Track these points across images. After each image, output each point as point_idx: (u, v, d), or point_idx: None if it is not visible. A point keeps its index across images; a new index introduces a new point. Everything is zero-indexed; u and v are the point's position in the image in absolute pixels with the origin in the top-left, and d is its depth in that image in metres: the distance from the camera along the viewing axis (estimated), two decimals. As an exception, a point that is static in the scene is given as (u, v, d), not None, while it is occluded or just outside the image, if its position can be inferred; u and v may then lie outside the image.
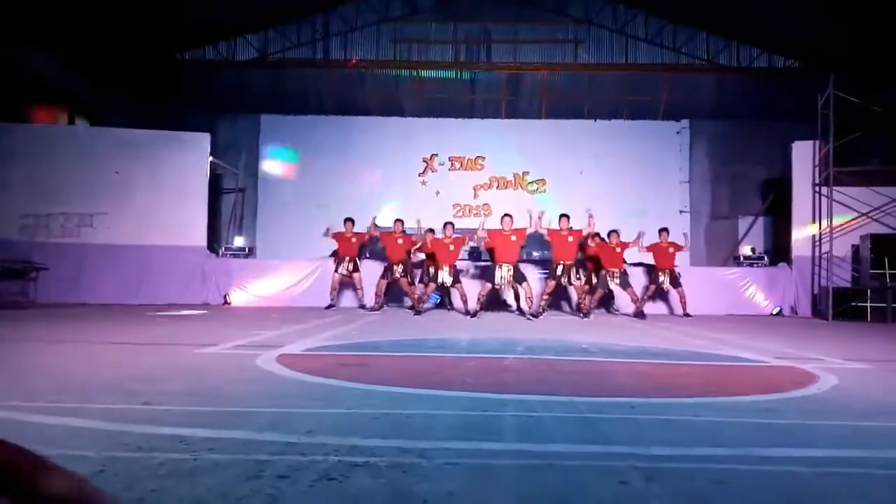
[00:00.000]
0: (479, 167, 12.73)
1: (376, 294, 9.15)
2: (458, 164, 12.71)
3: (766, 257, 11.02)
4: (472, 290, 8.97)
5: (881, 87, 10.07)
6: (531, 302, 8.46)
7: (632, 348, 4.99)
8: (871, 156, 9.95)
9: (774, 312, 10.12)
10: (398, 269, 9.06)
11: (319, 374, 3.31)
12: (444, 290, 9.54)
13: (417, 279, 9.43)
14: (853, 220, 10.03)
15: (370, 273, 9.64)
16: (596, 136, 12.53)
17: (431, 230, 9.24)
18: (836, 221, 9.96)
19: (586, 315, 8.56)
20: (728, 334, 6.37)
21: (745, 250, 11.20)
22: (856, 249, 10.02)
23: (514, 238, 8.29)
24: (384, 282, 9.12)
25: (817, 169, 10.30)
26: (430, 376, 3.47)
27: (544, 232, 8.43)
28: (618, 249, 8.94)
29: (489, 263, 8.91)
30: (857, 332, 7.20)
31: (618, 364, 4.12)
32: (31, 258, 9.12)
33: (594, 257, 9.30)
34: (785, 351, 4.89)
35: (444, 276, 8.64)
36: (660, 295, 9.92)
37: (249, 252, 11.42)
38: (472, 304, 8.55)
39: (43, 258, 9.18)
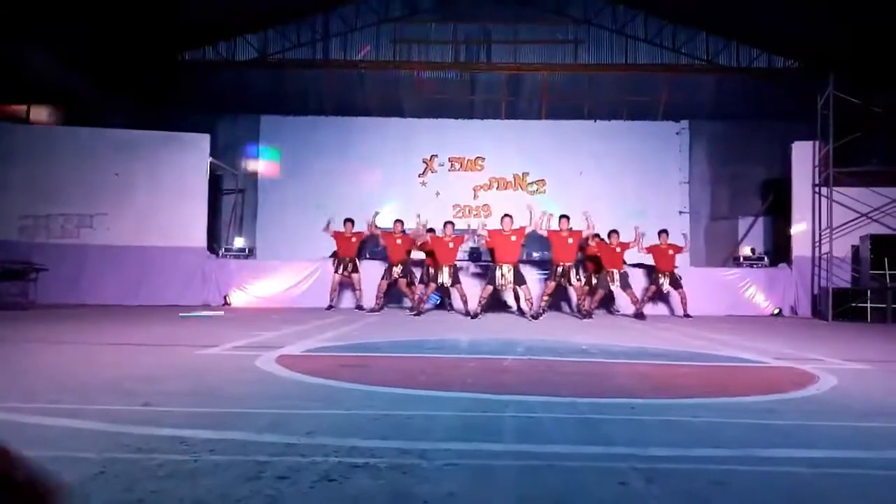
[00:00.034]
0: (479, 168, 12.73)
1: (377, 295, 9.16)
2: (457, 165, 12.71)
3: (765, 258, 11.02)
4: (472, 290, 8.98)
5: (881, 87, 10.07)
6: (530, 303, 8.46)
7: (632, 349, 4.99)
8: (871, 156, 9.96)
9: (774, 313, 10.12)
10: (397, 270, 9.07)
11: (319, 375, 3.31)
12: (444, 291, 9.54)
13: (417, 279, 9.44)
14: (853, 220, 10.04)
15: (369, 274, 9.65)
16: (596, 137, 12.53)
17: (432, 230, 9.25)
18: (836, 222, 9.97)
19: (586, 316, 8.56)
20: (728, 335, 6.37)
21: (745, 251, 11.20)
22: (855, 250, 10.02)
23: (514, 238, 8.29)
24: (385, 282, 9.13)
25: (817, 169, 10.30)
26: (430, 377, 3.47)
27: (544, 233, 8.43)
28: (618, 250, 8.94)
29: (489, 263, 8.91)
30: (856, 333, 7.20)
31: (618, 365, 4.12)
32: (30, 259, 9.11)
33: (594, 258, 9.30)
34: (785, 351, 4.89)
35: (444, 277, 8.65)
36: (660, 296, 9.92)
37: (249, 253, 11.43)
38: (473, 305, 8.54)
39: (43, 259, 9.17)
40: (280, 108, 12.85)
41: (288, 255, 10.96)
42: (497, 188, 12.69)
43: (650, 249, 9.36)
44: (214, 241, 11.64)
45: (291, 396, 2.76)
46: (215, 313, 8.43)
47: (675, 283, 9.41)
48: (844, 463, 1.86)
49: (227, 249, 11.14)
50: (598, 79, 13.03)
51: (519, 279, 8.31)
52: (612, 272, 8.92)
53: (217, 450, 1.84)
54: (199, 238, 10.36)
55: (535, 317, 8.28)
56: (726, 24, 12.52)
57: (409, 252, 9.27)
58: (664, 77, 12.85)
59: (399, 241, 9.11)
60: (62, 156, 10.16)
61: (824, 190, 10.11)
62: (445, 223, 9.06)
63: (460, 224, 10.82)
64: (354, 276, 9.51)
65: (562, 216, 8.59)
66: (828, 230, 9.94)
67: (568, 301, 10.14)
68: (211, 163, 10.76)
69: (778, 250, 11.49)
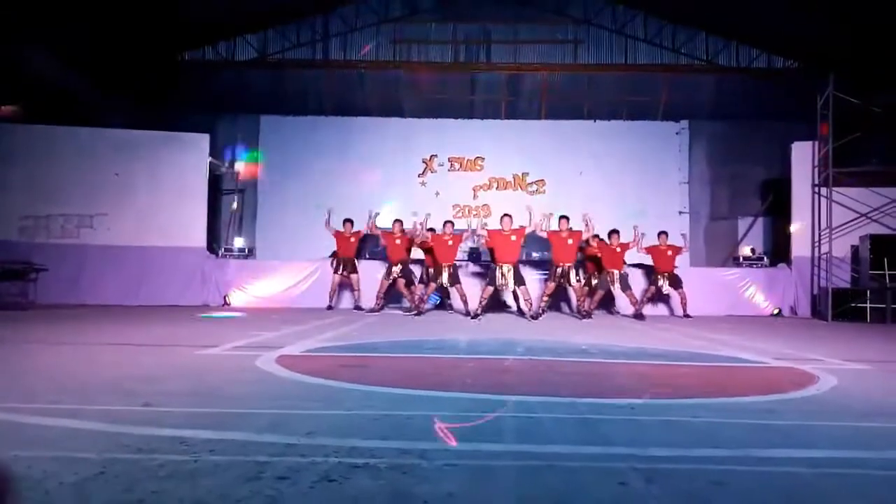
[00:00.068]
0: (479, 168, 12.73)
1: (377, 295, 9.17)
2: (457, 165, 12.71)
3: (765, 258, 11.02)
4: (472, 290, 8.97)
5: (881, 87, 10.07)
6: (529, 304, 8.45)
7: (631, 349, 4.99)
8: (871, 156, 9.96)
9: (774, 313, 10.12)
10: (396, 269, 9.08)
11: (319, 375, 3.31)
12: (443, 291, 9.54)
13: (417, 279, 9.44)
14: (852, 220, 10.05)
15: (369, 274, 9.66)
16: (595, 137, 12.53)
17: (432, 229, 9.25)
18: (836, 222, 9.97)
19: (585, 316, 8.56)
20: (727, 335, 6.38)
21: (745, 251, 11.21)
22: (855, 250, 10.02)
23: (513, 238, 8.29)
24: (386, 282, 9.14)
25: (817, 169, 10.31)
26: (429, 377, 3.47)
27: (543, 234, 8.42)
28: (618, 250, 8.94)
29: (489, 263, 8.91)
30: (856, 333, 7.20)
31: (618, 365, 4.12)
32: (30, 259, 9.11)
33: (594, 258, 9.30)
34: (784, 352, 4.89)
35: (444, 276, 8.64)
36: (660, 297, 9.92)
37: (249, 253, 11.43)
38: (473, 306, 8.54)
39: (43, 259, 9.17)
40: (280, 108, 12.85)
41: (288, 256, 10.96)
42: (497, 188, 12.69)
43: (649, 250, 9.36)
44: (214, 241, 11.65)
45: (291, 397, 2.76)
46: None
47: (675, 283, 9.41)
48: (844, 463, 1.86)
49: (226, 249, 11.14)
50: (597, 79, 13.03)
51: (518, 280, 8.31)
52: (613, 273, 8.91)
53: (217, 450, 1.84)
54: (199, 238, 10.36)
55: (535, 317, 8.28)
56: (726, 24, 12.52)
57: (408, 251, 9.28)
58: (664, 77, 12.85)
59: (398, 241, 9.12)
60: (62, 156, 10.17)
61: (824, 190, 10.12)
62: (445, 222, 9.07)
63: (460, 224, 10.82)
64: (353, 276, 9.52)
65: (561, 217, 8.58)
66: (827, 230, 9.94)
67: (568, 301, 10.14)
68: (210, 163, 10.76)
69: (777, 250, 11.49)
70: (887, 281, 9.06)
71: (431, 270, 8.90)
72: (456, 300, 9.28)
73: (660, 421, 2.39)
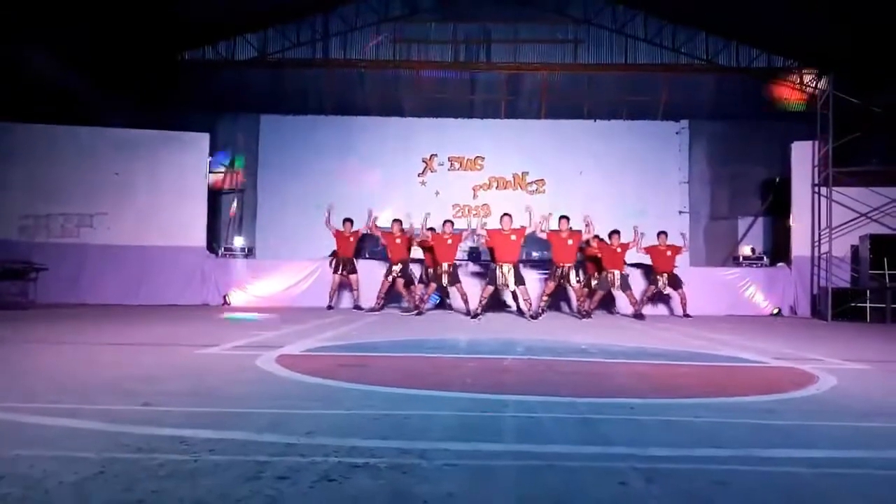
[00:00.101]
0: (479, 167, 12.73)
1: (378, 294, 9.17)
2: (457, 165, 12.71)
3: (765, 258, 11.02)
4: (472, 290, 8.97)
5: (881, 87, 10.08)
6: (529, 304, 8.45)
7: (631, 349, 4.99)
8: (871, 156, 9.96)
9: (774, 313, 10.12)
10: (396, 269, 9.09)
11: (319, 374, 3.32)
12: (443, 291, 9.54)
13: (417, 279, 9.44)
14: (852, 220, 10.05)
15: (369, 274, 9.66)
16: (595, 137, 12.53)
17: (432, 229, 9.25)
18: (836, 222, 9.97)
19: (585, 316, 8.55)
20: (727, 335, 6.38)
21: (745, 251, 11.21)
22: (855, 250, 10.03)
23: (513, 237, 8.28)
24: (387, 282, 9.14)
25: (816, 169, 10.31)
26: (429, 377, 3.47)
27: (543, 236, 8.41)
28: (618, 250, 8.93)
29: (489, 263, 8.91)
30: (856, 333, 7.20)
31: (617, 365, 4.12)
32: (30, 258, 9.11)
33: (595, 259, 9.30)
34: (784, 351, 4.89)
35: (444, 276, 8.64)
36: (659, 297, 9.92)
37: (249, 252, 11.42)
38: (473, 305, 8.54)
39: (43, 258, 9.17)
40: (280, 107, 12.84)
41: (288, 255, 10.97)
42: (497, 188, 12.69)
43: (648, 250, 9.35)
44: (214, 240, 11.65)
45: (291, 396, 2.76)
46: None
47: (675, 283, 9.41)
48: (844, 463, 1.87)
49: (226, 249, 11.14)
50: (597, 78, 13.02)
51: (518, 279, 8.31)
52: (613, 273, 8.91)
53: (217, 450, 1.84)
54: (199, 237, 10.36)
55: (535, 317, 8.28)
56: (726, 24, 12.51)
57: (409, 250, 9.29)
58: (664, 77, 12.85)
59: (398, 241, 9.12)
60: (62, 155, 10.17)
61: (824, 190, 10.12)
62: (444, 222, 9.07)
63: (460, 223, 10.82)
64: (352, 276, 9.53)
65: (561, 217, 8.58)
66: (827, 230, 9.94)
67: (568, 301, 10.14)
68: (210, 162, 10.76)
69: (777, 250, 11.49)
70: (887, 281, 9.06)
71: (431, 270, 8.90)
72: (456, 299, 9.28)
73: (660, 421, 2.39)
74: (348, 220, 9.54)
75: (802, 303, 10.25)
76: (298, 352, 4.34)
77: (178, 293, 10.02)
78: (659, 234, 9.43)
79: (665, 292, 9.61)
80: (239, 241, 11.56)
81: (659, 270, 9.41)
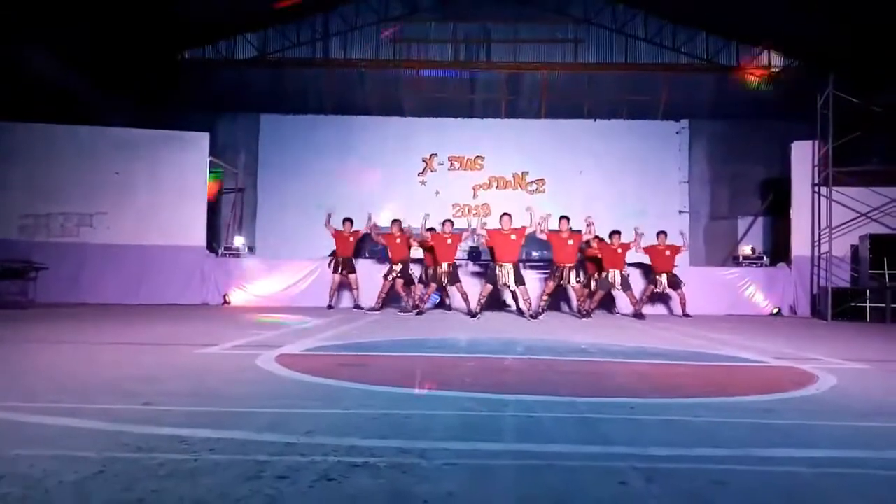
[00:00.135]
0: (479, 167, 12.73)
1: (379, 294, 9.17)
2: (457, 164, 12.72)
3: (765, 257, 11.02)
4: (472, 290, 8.97)
5: (881, 87, 10.07)
6: (528, 303, 8.45)
7: (631, 349, 4.99)
8: (871, 156, 9.96)
9: (773, 312, 10.12)
10: (396, 269, 9.09)
11: (319, 374, 3.31)
12: (443, 290, 9.54)
13: (417, 279, 9.44)
14: (852, 220, 10.05)
15: (368, 273, 9.66)
16: (595, 136, 12.54)
17: (432, 229, 9.25)
18: (835, 222, 9.97)
19: (585, 316, 8.55)
20: (727, 334, 6.38)
21: (745, 250, 11.20)
22: (855, 250, 10.02)
23: (513, 237, 8.28)
24: (387, 283, 9.15)
25: (816, 169, 10.30)
26: (429, 376, 3.47)
27: (543, 237, 8.41)
28: (619, 251, 8.93)
29: (489, 262, 8.91)
30: (856, 333, 7.20)
31: (617, 364, 4.12)
32: (30, 258, 9.11)
33: (595, 259, 9.29)
34: (784, 351, 4.89)
35: (444, 276, 8.64)
36: (659, 297, 9.92)
37: (249, 252, 11.42)
38: (473, 305, 8.54)
39: (43, 258, 9.18)
40: (280, 106, 12.86)
41: (288, 255, 10.97)
42: (497, 187, 12.69)
43: (647, 250, 9.35)
44: (214, 240, 11.65)
45: (291, 396, 2.76)
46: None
47: (674, 283, 9.40)
48: (844, 463, 1.86)
49: (226, 248, 11.14)
50: (597, 78, 13.03)
51: (518, 279, 8.30)
52: (614, 273, 8.91)
53: (217, 449, 1.84)
54: (199, 237, 10.36)
55: (535, 316, 8.27)
56: (726, 24, 12.52)
57: (409, 248, 9.29)
58: (664, 76, 12.85)
59: (398, 241, 9.12)
60: (62, 155, 10.17)
61: (824, 189, 10.12)
62: (444, 221, 9.07)
63: (460, 223, 10.82)
64: (351, 276, 9.53)
65: (562, 217, 8.58)
66: (827, 230, 9.94)
67: (568, 301, 10.14)
68: (210, 162, 10.75)
69: (777, 250, 11.49)
70: (887, 280, 9.06)
71: (431, 270, 8.90)
72: (456, 299, 9.28)
73: (660, 420, 2.38)
74: (348, 220, 9.54)
75: (802, 302, 10.25)
76: (298, 351, 4.33)
77: (178, 293, 10.02)
78: (658, 233, 9.42)
79: (664, 292, 9.61)
80: (239, 241, 11.56)
81: (658, 270, 9.41)
